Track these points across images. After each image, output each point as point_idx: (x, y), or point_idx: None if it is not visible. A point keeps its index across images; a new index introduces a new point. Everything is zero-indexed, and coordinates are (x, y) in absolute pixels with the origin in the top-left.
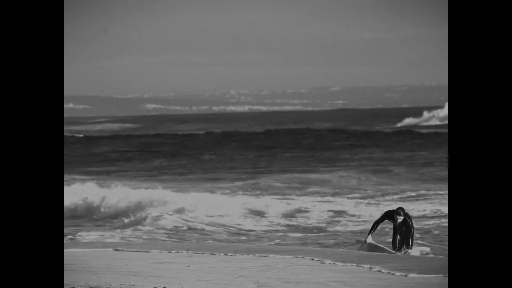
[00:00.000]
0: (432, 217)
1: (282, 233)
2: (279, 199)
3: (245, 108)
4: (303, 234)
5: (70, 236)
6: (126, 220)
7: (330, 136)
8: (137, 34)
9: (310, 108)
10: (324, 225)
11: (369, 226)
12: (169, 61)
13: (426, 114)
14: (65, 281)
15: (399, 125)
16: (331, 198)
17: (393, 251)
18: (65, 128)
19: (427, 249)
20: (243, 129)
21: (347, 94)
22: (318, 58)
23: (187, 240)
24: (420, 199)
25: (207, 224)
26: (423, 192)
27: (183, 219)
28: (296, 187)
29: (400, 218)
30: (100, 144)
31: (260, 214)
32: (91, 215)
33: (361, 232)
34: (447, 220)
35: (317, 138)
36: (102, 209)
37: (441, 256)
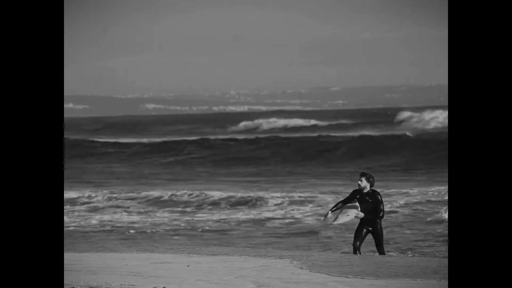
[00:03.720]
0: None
1: None
2: None
3: (244, 108)
4: None
5: None
6: None
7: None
8: (137, 34)
9: (310, 108)
10: None
11: None
12: (169, 61)
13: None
14: (65, 281)
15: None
16: None
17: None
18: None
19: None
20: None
21: (347, 94)
22: (318, 58)
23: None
24: None
25: None
26: None
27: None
28: None
29: (363, 183)
30: None
31: None
32: None
33: None
34: None
35: None
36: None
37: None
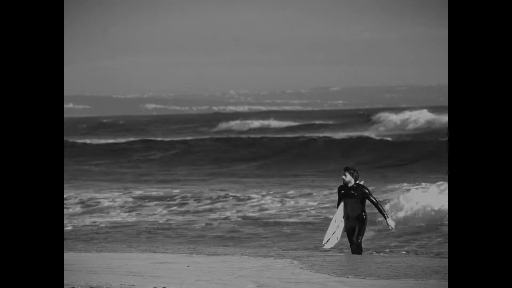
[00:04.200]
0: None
1: None
2: None
3: (244, 108)
4: None
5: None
6: None
7: None
8: (137, 34)
9: (310, 108)
10: None
11: None
12: (169, 61)
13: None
14: (65, 281)
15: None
16: None
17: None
18: None
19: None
20: None
21: (347, 94)
22: (318, 58)
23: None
24: None
25: None
26: None
27: None
28: None
29: (348, 177)
30: None
31: None
32: None
33: None
34: None
35: None
36: None
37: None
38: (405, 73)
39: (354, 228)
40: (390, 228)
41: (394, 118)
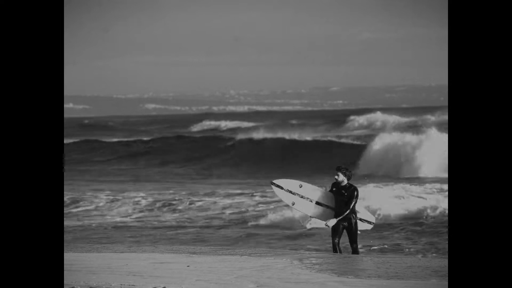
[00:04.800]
0: None
1: None
2: None
3: (244, 108)
4: None
5: None
6: None
7: None
8: (137, 34)
9: (309, 108)
10: None
11: None
12: (169, 61)
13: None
14: (65, 281)
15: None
16: None
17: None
18: None
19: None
20: None
21: (347, 94)
22: (318, 58)
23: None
24: None
25: None
26: None
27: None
28: None
29: (340, 177)
30: None
31: None
32: None
33: None
34: None
35: None
36: None
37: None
38: (404, 73)
39: (343, 228)
40: (325, 224)
41: (363, 119)
